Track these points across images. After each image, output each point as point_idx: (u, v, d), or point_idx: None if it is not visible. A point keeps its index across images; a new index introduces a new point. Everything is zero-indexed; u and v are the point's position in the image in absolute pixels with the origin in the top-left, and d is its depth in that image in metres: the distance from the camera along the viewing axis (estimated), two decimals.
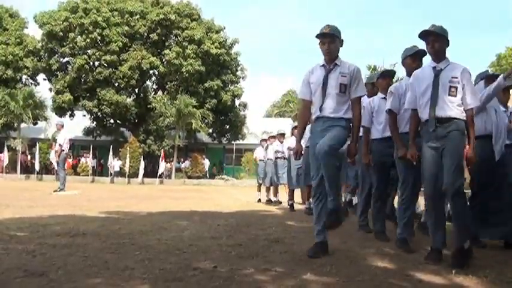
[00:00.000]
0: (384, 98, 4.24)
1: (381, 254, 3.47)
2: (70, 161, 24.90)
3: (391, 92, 3.89)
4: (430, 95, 3.22)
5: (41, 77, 29.07)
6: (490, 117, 3.92)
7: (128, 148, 24.49)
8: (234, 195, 12.98)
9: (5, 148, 24.36)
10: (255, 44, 77.94)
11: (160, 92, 28.80)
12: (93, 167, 26.58)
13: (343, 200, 6.65)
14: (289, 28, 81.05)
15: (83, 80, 26.34)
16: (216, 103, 26.73)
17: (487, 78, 4.21)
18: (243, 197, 11.51)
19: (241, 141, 29.60)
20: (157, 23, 26.11)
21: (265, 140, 10.14)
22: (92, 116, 27.44)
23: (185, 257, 3.18)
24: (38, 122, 27.90)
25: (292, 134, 8.09)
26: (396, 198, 4.35)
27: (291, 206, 7.68)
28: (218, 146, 30.69)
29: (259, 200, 9.79)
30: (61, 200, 8.55)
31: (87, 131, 28.00)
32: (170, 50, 25.93)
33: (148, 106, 26.77)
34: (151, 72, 27.63)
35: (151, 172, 25.75)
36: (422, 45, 3.49)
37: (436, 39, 3.26)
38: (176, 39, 27.18)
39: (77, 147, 29.17)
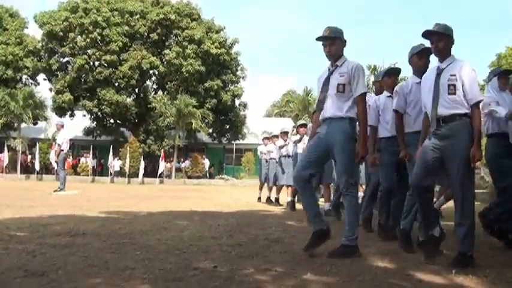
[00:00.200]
0: (390, 96, 4.22)
1: (381, 253, 3.47)
2: (70, 160, 24.89)
3: (396, 91, 3.88)
4: (432, 95, 3.21)
5: (41, 77, 29.12)
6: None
7: (128, 148, 24.49)
8: (234, 195, 12.98)
9: (5, 148, 24.37)
10: (255, 44, 78.02)
11: (160, 92, 28.80)
12: (93, 167, 26.58)
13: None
14: (289, 28, 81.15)
15: (83, 80, 26.34)
16: (216, 103, 26.73)
17: (500, 74, 4.20)
18: (243, 197, 11.51)
19: (241, 141, 29.60)
20: (157, 23, 26.11)
21: (268, 139, 9.94)
22: (92, 116, 27.45)
23: (185, 257, 3.18)
24: (38, 122, 27.91)
25: (297, 133, 7.96)
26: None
27: (293, 204, 7.54)
28: (218, 146, 30.69)
29: (259, 199, 9.74)
30: (61, 200, 8.55)
31: (87, 131, 28.01)
32: (170, 50, 25.93)
33: (149, 106, 26.77)
34: (151, 72, 27.63)
35: (151, 172, 25.75)
36: (427, 43, 3.46)
37: (440, 39, 3.22)
38: (176, 39, 27.17)
39: (77, 147, 29.17)
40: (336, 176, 6.27)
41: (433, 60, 3.56)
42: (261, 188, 10.06)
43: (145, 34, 26.78)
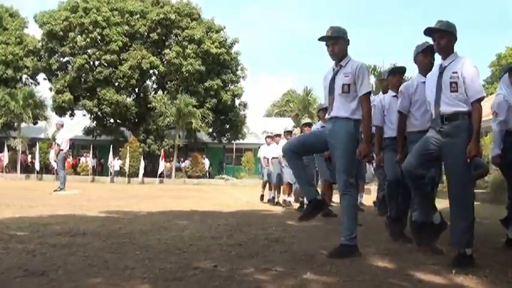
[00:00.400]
0: (395, 96, 4.17)
1: (381, 253, 3.47)
2: (70, 160, 24.89)
3: (401, 91, 3.85)
4: (435, 93, 3.21)
5: (41, 76, 29.14)
6: None
7: (128, 148, 24.49)
8: (234, 194, 12.97)
9: (5, 148, 24.37)
10: (255, 43, 78.06)
11: (160, 92, 28.80)
12: (93, 167, 26.58)
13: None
14: (289, 28, 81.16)
15: (83, 80, 26.35)
16: (216, 103, 26.73)
17: (511, 70, 4.21)
18: (243, 197, 11.51)
19: (241, 141, 29.60)
20: (157, 23, 26.11)
21: (270, 138, 9.71)
22: (92, 116, 27.45)
23: (185, 257, 3.18)
24: (38, 121, 27.91)
25: (302, 132, 7.84)
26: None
27: (301, 204, 7.30)
28: (218, 146, 30.68)
29: (262, 197, 9.60)
30: (61, 199, 8.55)
31: (87, 131, 28.01)
32: (170, 50, 25.93)
33: (149, 106, 26.77)
34: (151, 71, 27.63)
35: (151, 172, 25.75)
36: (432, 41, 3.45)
37: (442, 36, 3.19)
38: (176, 38, 27.17)
39: (77, 147, 29.17)
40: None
41: (438, 58, 3.50)
42: (263, 186, 9.85)
43: (146, 34, 26.78)
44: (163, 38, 27.20)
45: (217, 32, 27.52)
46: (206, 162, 27.84)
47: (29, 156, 26.66)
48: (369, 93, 3.47)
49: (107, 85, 25.83)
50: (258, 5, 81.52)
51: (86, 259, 3.03)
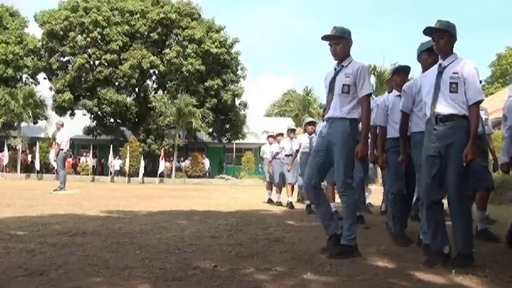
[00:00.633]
0: (399, 95, 4.12)
1: (381, 253, 3.47)
2: (70, 160, 24.88)
3: (404, 91, 3.81)
4: (433, 92, 3.16)
5: (41, 76, 29.10)
6: None
7: (128, 147, 24.48)
8: (234, 194, 12.97)
9: (5, 147, 24.36)
10: (255, 43, 78.00)
11: (160, 91, 28.77)
12: (93, 166, 26.57)
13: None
14: (290, 28, 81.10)
15: (83, 79, 26.33)
16: (216, 102, 26.70)
17: None
18: (243, 197, 11.52)
19: (241, 141, 29.57)
20: (157, 22, 26.09)
21: (272, 137, 9.50)
22: (92, 115, 27.42)
23: (185, 257, 3.18)
24: (38, 121, 27.87)
25: (305, 131, 7.62)
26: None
27: (308, 206, 6.94)
28: (218, 146, 30.66)
29: (270, 200, 9.20)
30: (61, 199, 8.55)
31: (88, 130, 27.98)
32: (170, 49, 25.91)
33: (149, 105, 26.74)
34: (151, 71, 27.61)
35: (151, 171, 25.75)
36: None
37: (441, 36, 3.17)
38: (176, 38, 27.14)
39: (77, 147, 29.16)
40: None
41: None
42: (270, 188, 9.44)
43: (146, 33, 26.76)
44: (164, 37, 27.17)
45: (218, 31, 27.49)
46: (206, 162, 27.83)
47: (29, 156, 26.65)
48: (370, 94, 3.48)
49: (107, 85, 25.81)
50: (258, 5, 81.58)
51: (86, 259, 3.03)
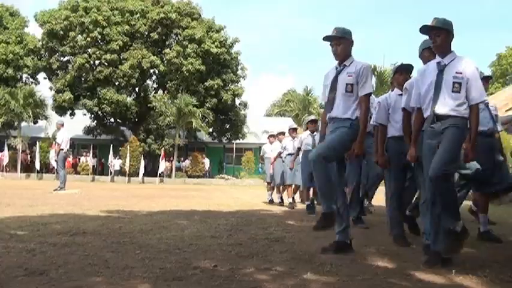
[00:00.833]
0: (401, 94, 4.05)
1: (381, 253, 3.47)
2: (70, 160, 24.89)
3: (406, 88, 3.75)
4: (433, 91, 3.12)
5: (41, 75, 29.11)
6: None
7: (128, 147, 24.49)
8: (234, 194, 12.97)
9: (6, 147, 24.37)
10: (256, 43, 77.99)
11: (160, 91, 28.78)
12: (93, 166, 26.58)
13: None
14: (290, 27, 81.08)
15: (83, 79, 26.34)
16: (217, 102, 26.71)
17: None
18: (243, 196, 11.51)
19: (241, 141, 29.58)
20: (157, 22, 26.09)
21: (273, 136, 9.44)
22: (92, 115, 27.43)
23: (185, 256, 3.18)
24: (39, 120, 27.89)
25: (307, 129, 7.50)
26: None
27: (308, 206, 6.88)
28: (218, 145, 30.67)
29: (271, 201, 9.11)
30: (61, 198, 8.55)
31: (88, 130, 27.99)
32: (171, 49, 25.92)
33: (149, 105, 26.75)
34: (151, 71, 27.61)
35: (151, 171, 25.75)
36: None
37: (438, 34, 3.14)
38: (177, 38, 27.15)
39: (77, 146, 29.17)
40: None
41: None
42: (271, 189, 9.37)
43: (146, 33, 26.76)
44: (164, 37, 27.18)
45: (218, 31, 27.50)
46: (206, 161, 27.84)
47: (29, 156, 26.65)
48: (369, 94, 3.48)
49: (107, 84, 25.82)
50: (258, 5, 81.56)
51: (86, 258, 3.03)
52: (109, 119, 28.25)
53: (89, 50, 25.78)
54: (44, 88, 39.47)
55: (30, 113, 25.76)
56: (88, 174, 24.64)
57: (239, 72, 28.90)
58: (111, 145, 24.98)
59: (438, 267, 2.94)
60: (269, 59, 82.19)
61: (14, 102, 24.71)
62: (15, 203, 7.09)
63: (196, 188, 17.49)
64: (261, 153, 10.00)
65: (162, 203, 8.37)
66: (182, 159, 28.33)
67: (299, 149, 7.59)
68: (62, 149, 10.81)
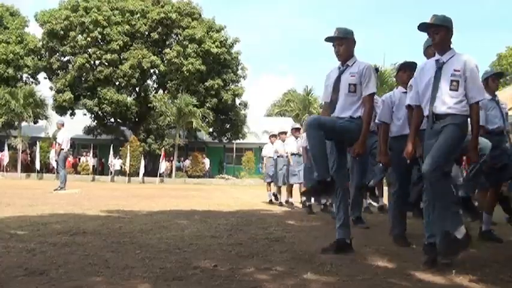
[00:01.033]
0: (405, 92, 3.99)
1: (381, 253, 3.47)
2: (70, 159, 24.90)
3: (410, 85, 3.66)
4: (431, 89, 3.09)
5: (41, 75, 29.12)
6: None
7: (128, 147, 24.50)
8: (234, 194, 12.97)
9: (6, 147, 24.38)
10: (256, 43, 77.95)
11: (160, 91, 28.78)
12: (93, 166, 26.59)
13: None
14: (290, 27, 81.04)
15: (83, 79, 26.34)
16: (217, 102, 26.72)
17: None
18: (244, 196, 11.52)
19: (241, 141, 29.58)
20: (158, 22, 26.10)
21: (274, 136, 9.39)
22: (93, 115, 27.44)
23: (185, 256, 3.18)
24: (39, 120, 27.90)
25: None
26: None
27: (309, 207, 6.92)
28: (218, 145, 30.67)
29: (271, 201, 9.08)
30: (61, 198, 8.56)
31: (88, 130, 28.00)
32: (171, 49, 25.92)
33: (149, 105, 26.76)
34: (151, 71, 27.62)
35: (151, 171, 25.75)
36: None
37: (437, 31, 3.10)
38: (177, 38, 27.15)
39: (77, 146, 29.17)
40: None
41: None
42: (268, 189, 9.43)
43: (146, 33, 26.77)
44: (164, 37, 27.18)
45: (218, 31, 27.50)
46: (206, 161, 27.84)
47: (29, 156, 26.66)
48: (373, 94, 3.49)
49: (108, 84, 25.83)
50: (258, 4, 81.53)
51: (86, 258, 3.03)
52: (109, 119, 28.26)
53: (89, 49, 25.78)
54: (44, 88, 39.48)
55: (31, 113, 25.77)
56: (88, 174, 24.65)
57: (239, 72, 28.92)
58: (112, 145, 24.99)
59: (438, 267, 2.93)
60: (269, 59, 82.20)
61: (14, 102, 24.72)
62: (15, 203, 7.09)
63: (197, 188, 17.49)
64: (262, 154, 9.97)
65: (162, 203, 8.37)
66: (182, 159, 28.33)
67: (306, 148, 7.52)
68: (63, 149, 10.82)
